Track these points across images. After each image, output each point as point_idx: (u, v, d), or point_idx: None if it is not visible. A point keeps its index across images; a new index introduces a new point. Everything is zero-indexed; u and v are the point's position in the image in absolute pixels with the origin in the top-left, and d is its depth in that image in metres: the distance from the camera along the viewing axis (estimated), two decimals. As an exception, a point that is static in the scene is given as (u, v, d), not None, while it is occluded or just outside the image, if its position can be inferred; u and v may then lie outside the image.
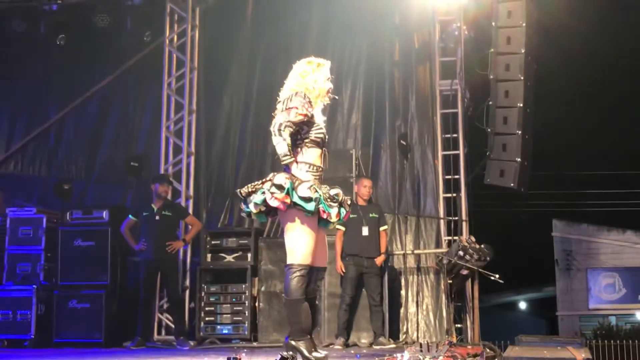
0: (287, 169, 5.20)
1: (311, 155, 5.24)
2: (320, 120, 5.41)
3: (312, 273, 5.27)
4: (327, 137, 5.37)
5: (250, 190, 5.17)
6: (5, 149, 11.45)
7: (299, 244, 5.16)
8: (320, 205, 5.07)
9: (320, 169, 5.27)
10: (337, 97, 5.46)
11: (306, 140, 5.23)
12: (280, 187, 5.05)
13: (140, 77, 11.24)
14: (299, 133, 5.22)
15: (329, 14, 10.77)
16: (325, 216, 5.12)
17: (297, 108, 5.14)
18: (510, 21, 9.44)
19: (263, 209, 5.15)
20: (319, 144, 5.28)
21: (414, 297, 9.89)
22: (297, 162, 5.19)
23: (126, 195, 11.02)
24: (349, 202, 5.34)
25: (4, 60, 11.38)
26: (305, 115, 5.16)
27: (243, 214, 5.23)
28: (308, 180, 5.14)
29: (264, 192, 5.09)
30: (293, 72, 5.44)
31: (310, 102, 5.25)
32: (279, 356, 3.39)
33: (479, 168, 9.86)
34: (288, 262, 5.19)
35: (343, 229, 9.18)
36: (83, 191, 11.20)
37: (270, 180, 5.12)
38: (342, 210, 5.22)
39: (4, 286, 9.76)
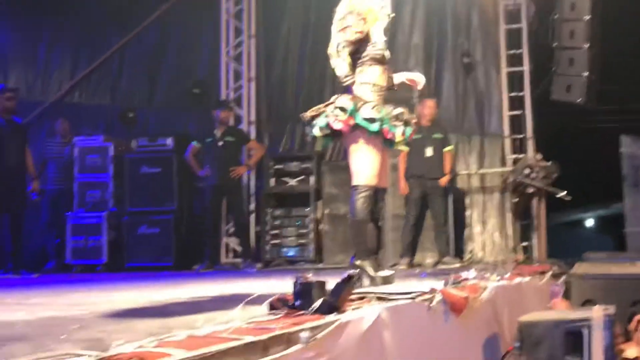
0: (349, 90, 5.14)
1: (372, 74, 5.15)
2: (379, 39, 5.29)
3: (377, 194, 5.25)
4: (388, 54, 5.27)
5: (314, 113, 5.12)
6: (70, 79, 11.59)
7: (364, 165, 5.12)
8: (385, 125, 5.00)
9: (384, 88, 5.19)
10: (393, 14, 5.29)
11: (365, 59, 5.13)
12: (343, 110, 4.99)
13: (198, 3, 11.18)
14: (358, 52, 5.12)
15: None
16: (389, 136, 5.05)
17: (351, 26, 5.03)
18: None
19: (327, 132, 5.11)
20: (380, 61, 5.18)
21: (479, 216, 9.84)
22: (358, 83, 5.11)
23: (189, 122, 11.10)
24: (414, 121, 5.26)
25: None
26: (362, 32, 5.05)
27: (308, 138, 5.22)
28: (371, 101, 5.07)
29: (327, 116, 5.04)
30: None
31: (364, 19, 5.12)
32: (346, 274, 3.41)
33: (544, 84, 9.65)
34: (353, 183, 5.16)
35: (406, 149, 9.13)
36: (146, 119, 11.32)
37: (333, 103, 5.07)
38: (407, 129, 5.15)
39: (75, 213, 10.01)
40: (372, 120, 4.98)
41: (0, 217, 8.64)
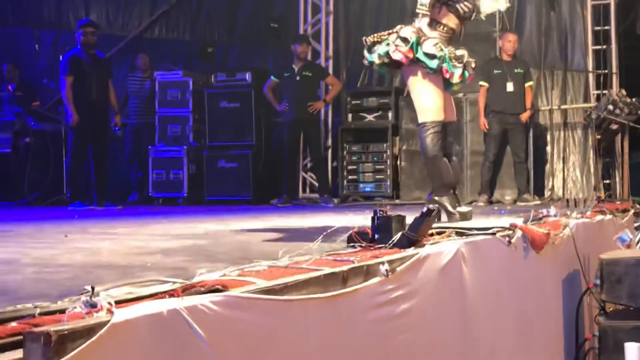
0: (419, 21, 5.04)
1: (448, 19, 5.04)
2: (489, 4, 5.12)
3: (445, 128, 5.20)
4: (473, 15, 5.12)
5: (375, 40, 5.05)
6: (150, 15, 11.69)
7: (427, 100, 5.07)
8: (444, 64, 4.91)
9: (452, 31, 5.07)
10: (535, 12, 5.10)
11: (450, 4, 5.01)
12: (405, 40, 4.92)
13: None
14: None
15: None
16: (447, 76, 4.96)
17: None
18: None
19: (386, 60, 5.04)
20: (461, 16, 5.05)
21: (560, 153, 9.65)
22: (431, 19, 5.00)
23: (267, 57, 11.12)
24: (473, 65, 5.13)
25: None
26: None
27: (365, 62, 5.13)
28: (435, 37, 4.98)
29: (388, 44, 4.97)
30: None
31: None
32: (425, 209, 3.40)
33: (631, 18, 9.32)
34: (420, 120, 5.12)
35: (487, 85, 9.01)
36: (225, 54, 11.38)
37: (396, 32, 4.99)
38: (466, 72, 5.05)
39: (156, 147, 10.19)
40: (432, 57, 4.90)
41: (84, 148, 8.84)
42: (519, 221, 4.47)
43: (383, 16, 10.58)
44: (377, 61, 5.06)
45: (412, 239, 3.19)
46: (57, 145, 9.49)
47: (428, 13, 4.96)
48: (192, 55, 11.42)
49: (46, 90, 10.66)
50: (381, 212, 3.37)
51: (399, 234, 3.20)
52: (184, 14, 11.63)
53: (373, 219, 3.33)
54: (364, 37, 5.11)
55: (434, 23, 4.99)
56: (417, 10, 4.99)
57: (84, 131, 8.67)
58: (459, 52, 5.00)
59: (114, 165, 10.38)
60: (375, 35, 5.07)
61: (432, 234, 3.52)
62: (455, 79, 5.00)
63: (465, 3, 5.01)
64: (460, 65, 4.98)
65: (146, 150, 10.22)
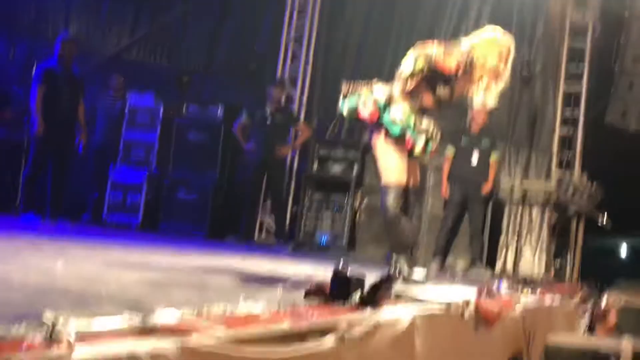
0: (394, 86, 5.10)
1: (425, 95, 5.11)
2: (476, 100, 5.18)
3: (408, 190, 5.26)
4: (449, 102, 5.19)
5: (351, 89, 5.12)
6: (130, 36, 11.68)
7: (390, 163, 5.12)
8: (408, 133, 4.98)
9: (423, 105, 5.14)
10: (508, 84, 5.17)
11: (429, 86, 5.08)
12: (374, 100, 5.00)
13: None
14: (431, 76, 5.04)
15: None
16: (409, 145, 5.03)
17: (451, 60, 4.93)
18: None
19: (354, 115, 5.12)
20: (436, 97, 5.11)
21: (516, 228, 9.77)
22: (409, 89, 5.05)
23: (242, 94, 11.13)
24: (438, 139, 5.20)
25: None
26: (449, 70, 4.95)
27: (339, 109, 5.20)
28: (405, 105, 5.05)
29: (359, 97, 5.05)
30: (477, 32, 5.19)
31: (465, 69, 5.01)
32: (386, 273, 3.43)
33: (600, 106, 9.54)
34: (384, 181, 5.17)
35: (453, 153, 9.11)
36: (200, 84, 11.36)
37: (370, 88, 5.07)
38: (430, 144, 5.12)
39: (117, 169, 10.10)
40: (396, 123, 4.97)
41: (44, 161, 8.72)
42: (472, 294, 4.52)
43: (360, 71, 10.66)
44: (345, 112, 5.15)
45: (371, 301, 3.22)
46: (17, 155, 9.36)
47: (404, 83, 5.01)
48: (167, 81, 11.38)
49: (14, 98, 10.53)
50: (341, 270, 3.40)
51: (357, 296, 3.22)
52: (164, 39, 11.63)
53: (333, 277, 3.35)
54: (344, 81, 5.17)
55: (409, 93, 5.05)
56: (396, 75, 5.06)
57: (47, 144, 8.57)
58: (424, 124, 5.07)
59: (71, 182, 10.25)
60: (353, 83, 5.14)
61: (389, 298, 3.54)
62: (417, 150, 5.06)
63: (445, 89, 5.07)
64: (424, 136, 5.05)
65: (107, 170, 10.13)
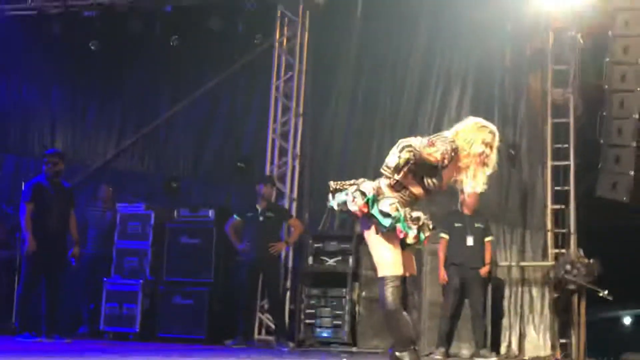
0: (381, 180, 5.12)
1: (413, 186, 5.12)
2: (465, 187, 5.20)
3: (405, 281, 5.21)
4: (439, 190, 5.21)
5: (338, 187, 5.13)
6: (116, 145, 11.75)
7: (384, 255, 5.08)
8: (398, 224, 4.96)
9: (415, 197, 5.14)
10: (496, 169, 5.22)
11: (417, 177, 5.10)
12: (363, 194, 5.01)
13: (248, 79, 11.36)
14: (417, 168, 5.05)
15: (438, 21, 10.60)
16: (401, 236, 5.01)
17: (436, 150, 4.95)
18: (627, 30, 9.14)
19: (344, 209, 5.11)
20: (424, 187, 5.12)
21: (517, 309, 9.67)
22: (396, 181, 5.06)
23: (231, 195, 11.15)
24: (430, 227, 5.18)
25: (117, 60, 11.65)
26: (436, 160, 4.98)
27: (328, 204, 5.18)
28: (393, 198, 5.05)
29: (347, 194, 5.06)
30: (460, 123, 5.17)
31: (450, 158, 5.05)
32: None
33: (589, 180, 9.56)
34: (380, 274, 5.11)
35: (447, 237, 9.09)
36: (189, 189, 11.39)
37: (357, 185, 5.08)
38: (422, 234, 5.10)
39: (112, 279, 10.03)
40: (386, 215, 4.95)
41: (37, 278, 8.64)
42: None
43: (348, 162, 10.75)
44: (336, 208, 5.14)
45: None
46: (9, 273, 9.29)
47: (390, 176, 5.02)
48: (155, 188, 11.41)
49: (3, 216, 10.53)
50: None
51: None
52: (149, 147, 11.71)
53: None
54: (330, 182, 5.18)
55: (397, 185, 5.05)
56: (381, 170, 5.07)
57: (40, 260, 8.51)
58: (415, 214, 5.06)
59: (66, 295, 10.15)
60: (339, 182, 5.15)
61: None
62: (410, 240, 5.02)
63: (433, 180, 5.07)
64: (415, 226, 5.03)
65: (101, 281, 10.04)
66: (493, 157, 5.16)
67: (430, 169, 5.06)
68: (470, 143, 5.07)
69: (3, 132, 11.97)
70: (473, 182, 5.15)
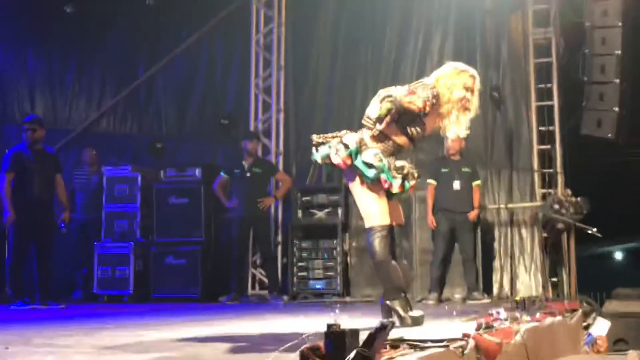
0: (364, 132, 5.10)
1: (397, 136, 5.10)
2: (448, 133, 5.18)
3: (392, 231, 5.22)
4: (422, 138, 5.20)
5: (320, 140, 5.12)
6: (97, 109, 11.66)
7: (370, 206, 5.09)
8: (382, 174, 4.95)
9: (399, 147, 5.13)
10: (478, 112, 5.20)
11: (399, 126, 5.08)
12: (346, 146, 4.99)
13: (226, 35, 11.26)
14: (399, 117, 5.03)
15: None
16: (386, 186, 5.00)
17: (417, 98, 4.92)
18: (606, -35, 9.07)
19: (327, 162, 5.11)
20: (408, 136, 5.11)
21: (507, 251, 9.74)
22: (376, 133, 5.04)
23: (216, 153, 11.12)
24: (415, 175, 5.19)
25: (93, 22, 11.51)
26: (418, 108, 4.95)
27: (312, 159, 5.18)
28: (377, 148, 5.03)
29: (330, 147, 5.04)
30: (439, 69, 5.17)
31: (432, 105, 5.02)
32: (379, 324, 3.36)
33: (574, 119, 9.56)
34: (367, 225, 5.13)
35: (434, 183, 9.11)
36: (174, 149, 11.34)
37: (340, 137, 5.06)
38: (407, 183, 5.10)
39: (102, 243, 10.03)
40: (370, 166, 4.94)
41: (25, 247, 8.62)
42: (470, 329, 4.45)
43: (333, 112, 10.73)
44: (319, 161, 5.13)
45: (367, 356, 3.15)
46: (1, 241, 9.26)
47: (372, 127, 5.00)
48: (140, 149, 11.36)
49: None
50: (335, 326, 3.33)
51: (354, 352, 3.15)
52: (131, 108, 11.61)
53: (326, 334, 3.28)
54: (312, 135, 5.16)
55: (380, 136, 5.04)
56: (362, 122, 5.05)
57: (25, 229, 8.48)
58: (399, 163, 5.06)
59: (58, 260, 10.14)
60: (322, 136, 5.14)
61: (386, 349, 3.47)
62: (395, 189, 5.03)
63: (416, 128, 5.06)
64: (400, 175, 5.02)
65: (92, 246, 10.05)
66: (475, 101, 5.16)
67: (413, 118, 5.04)
68: (451, 89, 5.07)
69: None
70: (456, 127, 5.15)
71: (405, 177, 5.09)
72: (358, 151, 4.99)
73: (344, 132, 5.13)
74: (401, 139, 5.10)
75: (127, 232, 10.07)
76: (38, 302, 8.48)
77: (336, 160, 5.03)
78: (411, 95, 4.93)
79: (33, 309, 8.17)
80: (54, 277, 9.23)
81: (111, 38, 11.62)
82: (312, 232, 9.89)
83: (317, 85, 10.86)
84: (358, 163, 4.98)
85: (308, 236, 9.88)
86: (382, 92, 4.97)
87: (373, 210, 5.09)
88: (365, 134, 5.08)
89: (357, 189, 5.11)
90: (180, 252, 9.89)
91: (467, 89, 5.10)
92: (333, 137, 5.10)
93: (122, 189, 10.18)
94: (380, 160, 4.96)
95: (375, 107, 4.94)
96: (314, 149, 5.15)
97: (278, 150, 10.70)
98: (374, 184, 5.02)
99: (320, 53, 10.88)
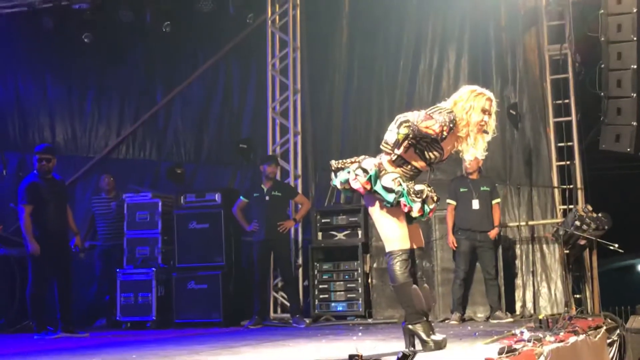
0: (382, 156, 5.12)
1: (415, 160, 5.12)
2: (466, 156, 5.20)
3: (413, 254, 5.23)
4: (441, 162, 5.23)
5: (339, 165, 5.15)
6: (116, 135, 11.75)
7: (390, 230, 5.10)
8: (402, 199, 4.96)
9: (418, 171, 5.15)
10: (495, 133, 5.22)
11: (417, 150, 5.10)
12: (365, 172, 5.02)
13: (242, 59, 11.33)
14: (417, 141, 5.06)
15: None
16: (406, 210, 5.01)
17: (433, 123, 4.94)
18: (620, -21, 9.04)
19: (347, 187, 5.13)
20: (426, 161, 5.13)
21: (529, 268, 9.69)
22: (398, 156, 5.06)
23: (235, 177, 11.18)
24: (435, 199, 5.18)
25: (110, 50, 11.64)
26: (435, 133, 4.96)
27: (331, 183, 5.21)
28: (396, 173, 5.05)
29: (349, 172, 5.07)
30: (455, 93, 5.18)
31: (450, 128, 5.05)
32: (400, 354, 3.36)
33: (593, 134, 9.53)
34: (387, 249, 5.14)
35: (454, 203, 9.11)
36: (193, 173, 11.41)
37: (358, 162, 5.09)
38: (426, 207, 5.09)
39: (124, 270, 10.07)
40: (389, 191, 4.96)
41: (46, 278, 8.61)
42: (493, 353, 4.43)
43: (348, 134, 10.76)
44: (338, 186, 5.16)
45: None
46: (23, 270, 9.32)
47: (390, 152, 5.03)
48: (158, 175, 11.44)
49: (14, 213, 10.54)
50: (356, 358, 3.34)
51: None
52: (150, 134, 11.69)
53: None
54: (331, 161, 5.20)
55: (398, 160, 5.06)
56: (381, 147, 5.07)
57: (45, 259, 8.48)
58: (418, 187, 5.06)
59: (80, 287, 10.24)
60: (340, 161, 5.18)
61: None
62: (415, 213, 5.03)
63: (434, 152, 5.08)
64: (419, 199, 5.02)
65: (114, 273, 10.09)
66: (492, 123, 5.17)
67: (430, 142, 5.06)
68: (469, 112, 5.08)
69: (4, 131, 11.97)
70: (474, 150, 5.16)
71: (424, 201, 5.09)
72: (377, 176, 5.01)
73: (362, 157, 5.16)
74: (419, 163, 5.11)
75: (149, 258, 10.11)
76: (61, 330, 8.51)
77: (356, 185, 5.05)
78: (428, 120, 4.94)
79: (57, 339, 8.20)
80: (77, 305, 9.27)
81: (129, 65, 11.73)
82: (332, 253, 9.89)
83: (333, 107, 10.90)
84: (377, 188, 5.00)
85: (328, 258, 9.88)
86: (399, 117, 5.00)
87: (393, 235, 5.11)
88: (383, 159, 5.10)
89: (377, 213, 5.13)
90: (201, 277, 9.91)
91: (484, 111, 5.11)
92: (352, 163, 5.13)
93: (143, 215, 10.23)
94: (400, 184, 4.98)
95: (393, 132, 4.97)
96: (332, 174, 5.19)
97: (296, 173, 10.72)
98: (394, 208, 5.04)
99: (336, 75, 10.93)
